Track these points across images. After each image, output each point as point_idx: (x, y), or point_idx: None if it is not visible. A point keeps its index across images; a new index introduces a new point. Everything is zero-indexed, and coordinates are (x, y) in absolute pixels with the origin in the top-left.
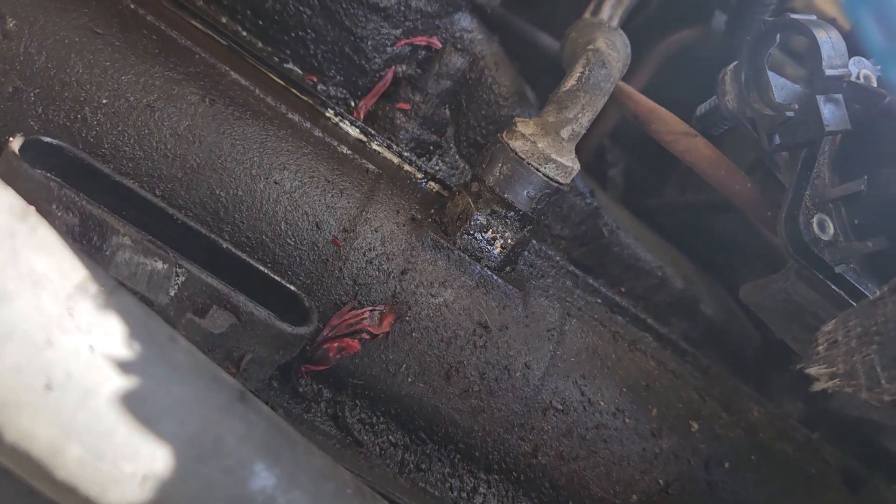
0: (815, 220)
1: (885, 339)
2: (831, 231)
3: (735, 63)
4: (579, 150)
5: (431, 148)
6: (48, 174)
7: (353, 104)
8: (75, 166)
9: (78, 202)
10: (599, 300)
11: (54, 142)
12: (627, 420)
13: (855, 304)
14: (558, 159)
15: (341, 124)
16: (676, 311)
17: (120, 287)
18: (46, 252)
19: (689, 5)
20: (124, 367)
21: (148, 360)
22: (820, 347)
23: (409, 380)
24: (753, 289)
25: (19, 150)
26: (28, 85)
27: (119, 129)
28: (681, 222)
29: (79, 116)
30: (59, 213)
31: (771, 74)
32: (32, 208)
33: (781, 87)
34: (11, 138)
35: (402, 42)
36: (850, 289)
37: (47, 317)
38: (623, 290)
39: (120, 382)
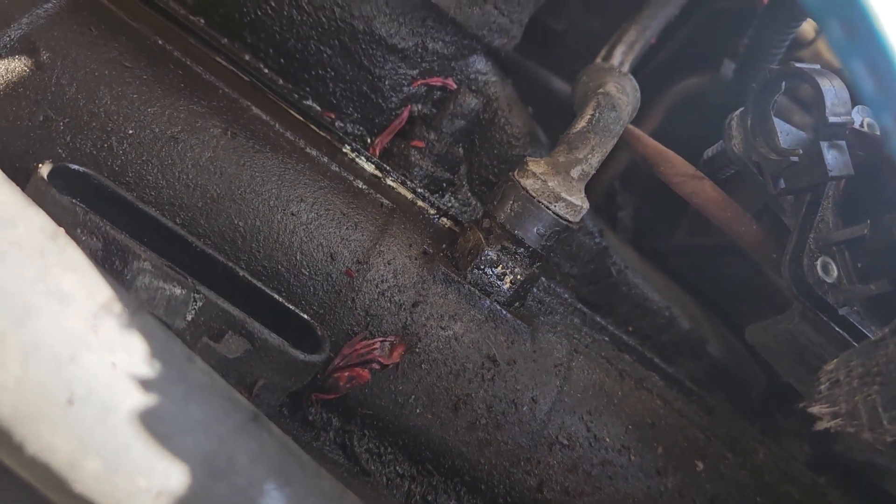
0: (818, 262)
1: (886, 379)
2: (835, 274)
3: (741, 109)
4: (589, 193)
5: (444, 185)
6: (74, 200)
7: (369, 141)
8: (100, 193)
9: (102, 227)
10: (607, 338)
11: (81, 169)
12: (633, 457)
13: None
14: (568, 198)
15: (357, 160)
16: (683, 351)
17: (142, 308)
18: (74, 271)
19: (699, 53)
20: (144, 384)
21: (167, 378)
22: (822, 386)
23: (418, 411)
24: (759, 329)
25: (47, 176)
26: (58, 114)
27: (143, 158)
28: (689, 265)
29: (105, 146)
30: (84, 238)
31: (776, 120)
32: (62, 229)
33: (787, 133)
34: (40, 164)
35: (419, 82)
36: (853, 331)
37: (72, 333)
38: (630, 328)
39: (139, 399)
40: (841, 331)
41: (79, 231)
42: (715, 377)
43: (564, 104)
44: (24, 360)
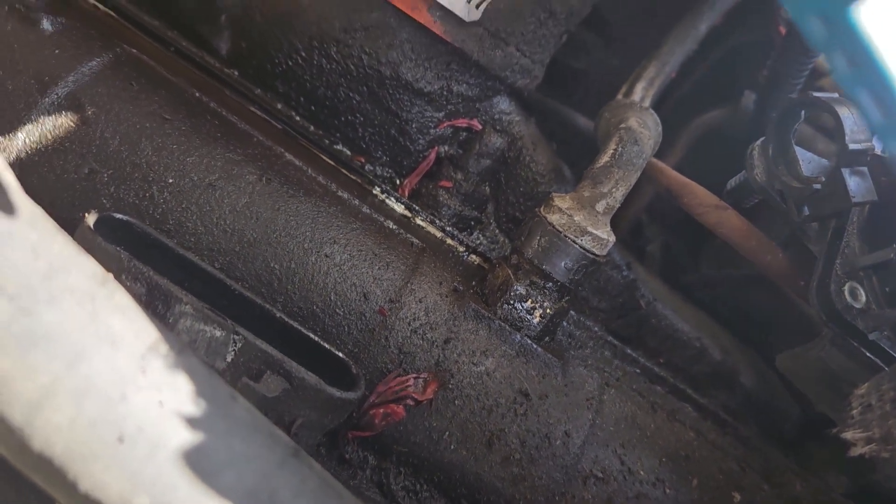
0: (846, 288)
1: None
2: (863, 299)
3: (763, 139)
4: (616, 227)
5: (472, 223)
6: (118, 247)
7: (398, 182)
8: (143, 240)
9: (145, 273)
10: (638, 370)
11: (124, 218)
12: (668, 490)
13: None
14: (594, 232)
15: (387, 201)
16: (715, 383)
17: (187, 349)
18: (122, 315)
19: (720, 86)
20: (189, 422)
21: (211, 415)
22: (854, 411)
23: (452, 447)
24: (789, 357)
25: (93, 225)
26: (102, 166)
27: (183, 206)
28: (718, 297)
29: (147, 195)
30: (129, 283)
31: (797, 149)
32: (110, 275)
33: (809, 161)
34: (87, 214)
35: (445, 124)
36: (884, 355)
37: (122, 374)
38: (662, 360)
39: (185, 436)
40: (872, 356)
41: (124, 277)
42: (748, 408)
43: (588, 141)
44: (77, 400)
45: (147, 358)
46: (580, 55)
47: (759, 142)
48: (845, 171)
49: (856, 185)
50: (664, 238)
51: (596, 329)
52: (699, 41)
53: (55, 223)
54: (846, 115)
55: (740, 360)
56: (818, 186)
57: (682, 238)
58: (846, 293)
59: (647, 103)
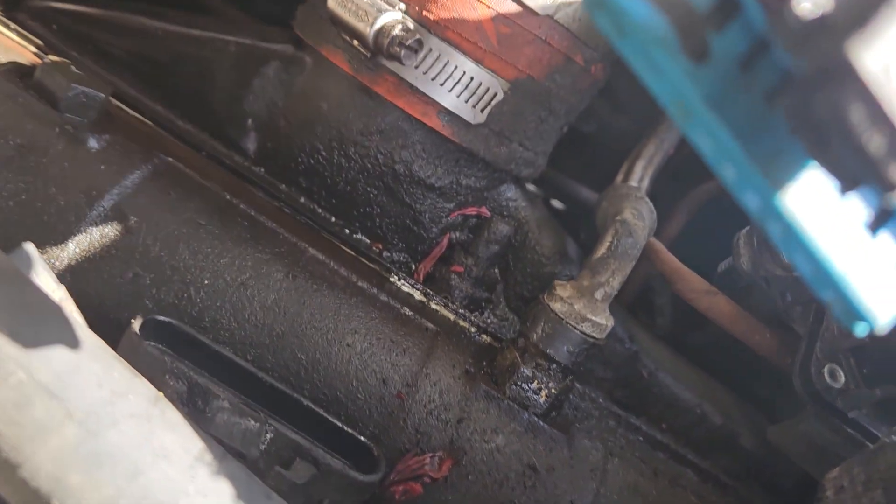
0: (826, 369)
1: (888, 485)
2: (842, 379)
3: (748, 228)
4: (625, 291)
5: (483, 303)
6: (162, 346)
7: (413, 267)
8: (182, 337)
9: (186, 373)
10: (641, 438)
11: (165, 319)
12: None
13: (871, 444)
14: (593, 318)
15: (403, 287)
16: (716, 446)
17: (227, 455)
18: (173, 430)
19: None
20: None
21: None
22: (828, 492)
23: None
24: (779, 430)
25: (139, 330)
26: (145, 271)
27: (217, 304)
28: (725, 355)
29: (185, 295)
30: (171, 382)
31: None
32: (161, 394)
33: None
34: (133, 320)
35: (455, 213)
36: (864, 431)
37: (174, 484)
38: (664, 426)
39: None
40: (853, 432)
41: (167, 377)
42: (750, 469)
43: (591, 206)
44: None
45: (195, 467)
46: (589, 119)
47: (744, 231)
48: None
49: None
50: (673, 294)
51: (600, 400)
52: None
53: (112, 352)
54: None
55: (741, 422)
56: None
57: None
58: (826, 374)
59: (645, 184)
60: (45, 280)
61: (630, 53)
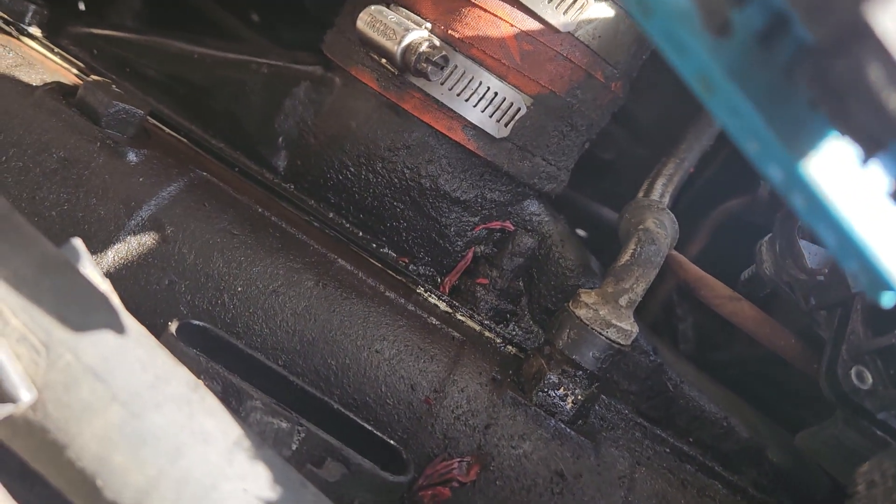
0: (853, 371)
1: None
2: (870, 381)
3: (770, 235)
4: (647, 307)
5: (508, 316)
6: (196, 350)
7: (439, 280)
8: (217, 342)
9: (221, 373)
10: (668, 450)
11: (200, 324)
12: None
13: None
14: (618, 324)
15: (430, 299)
16: (744, 460)
17: (263, 443)
18: (212, 415)
19: (737, 177)
20: None
21: (286, 499)
22: (860, 487)
23: None
24: (808, 436)
25: (175, 332)
26: (180, 278)
27: (250, 311)
28: (749, 374)
29: (219, 302)
30: (206, 382)
31: (803, 242)
32: (201, 382)
33: (814, 254)
34: (170, 323)
35: (480, 227)
36: (894, 433)
37: (213, 466)
38: (691, 439)
39: None
40: (882, 433)
41: (202, 377)
42: (779, 482)
43: (613, 229)
44: (178, 489)
45: (233, 452)
46: (609, 147)
47: (766, 238)
48: None
49: None
50: (696, 316)
51: (626, 411)
52: (716, 137)
53: (155, 339)
54: None
55: (769, 436)
56: (822, 278)
57: (713, 316)
58: (853, 376)
59: (666, 199)
60: (92, 273)
61: (655, 31)
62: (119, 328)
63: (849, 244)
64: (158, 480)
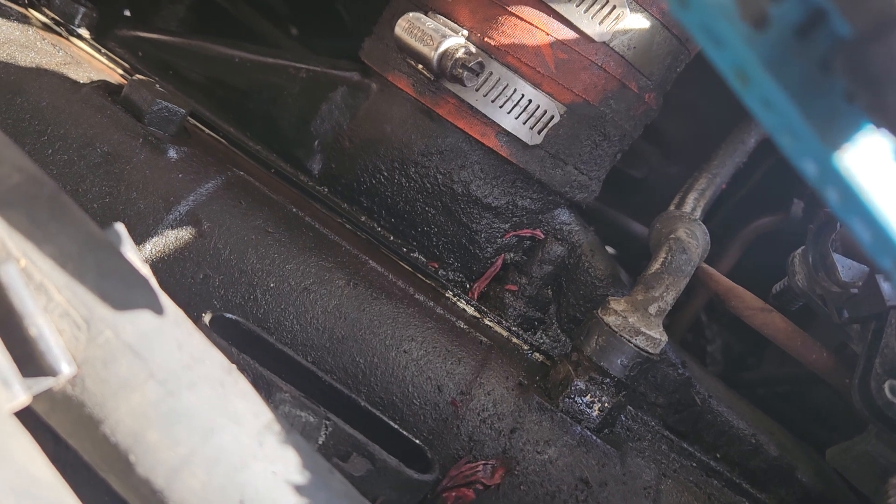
0: (886, 385)
1: None
2: None
3: (803, 247)
4: (676, 327)
5: (536, 323)
6: (229, 342)
7: (468, 286)
8: (248, 336)
9: (252, 364)
10: (694, 464)
11: (233, 317)
12: None
13: None
14: (647, 332)
15: (459, 303)
16: (772, 478)
17: (293, 429)
18: (245, 398)
19: (770, 194)
20: (297, 489)
21: (314, 485)
22: (892, 498)
23: None
24: (838, 451)
25: (209, 323)
26: (214, 272)
27: (282, 307)
28: (779, 394)
29: (252, 297)
30: None
31: (836, 256)
32: (234, 365)
33: (847, 267)
34: (204, 314)
35: (510, 234)
36: None
37: (244, 447)
38: (718, 455)
39: (293, 501)
40: None
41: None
42: (808, 503)
43: (643, 245)
44: (209, 468)
45: (263, 434)
46: (639, 165)
47: (799, 250)
48: (879, 277)
49: (890, 288)
50: (725, 337)
51: (653, 424)
52: (748, 154)
53: (191, 322)
54: None
55: (798, 455)
56: (855, 291)
57: (742, 337)
58: (886, 390)
59: (697, 213)
60: (133, 256)
61: (692, 23)
62: (157, 308)
63: (884, 240)
64: (190, 458)
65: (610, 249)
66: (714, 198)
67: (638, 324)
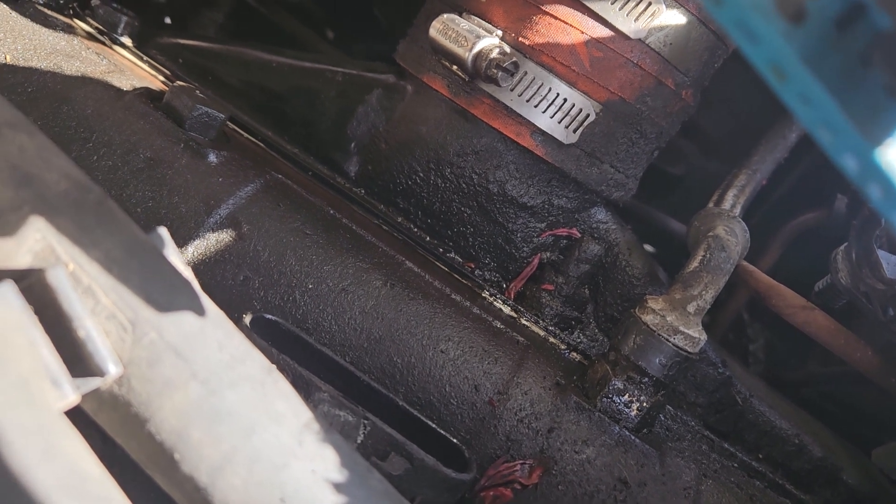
0: None
1: None
2: None
3: (846, 244)
4: (716, 326)
5: (573, 323)
6: (268, 342)
7: (504, 286)
8: (287, 336)
9: (291, 365)
10: (736, 464)
11: (273, 318)
12: None
13: None
14: (686, 331)
15: (495, 303)
16: (817, 479)
17: (332, 428)
18: (284, 398)
19: (813, 190)
20: (336, 487)
21: (353, 483)
22: None
23: None
24: (885, 452)
25: (249, 324)
26: (254, 274)
27: (320, 308)
28: (824, 394)
29: (290, 298)
30: None
31: (881, 252)
32: (274, 365)
33: (893, 264)
34: (244, 315)
35: (547, 233)
36: None
37: (284, 446)
38: (761, 456)
39: (332, 500)
40: None
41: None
42: None
43: (682, 242)
44: (250, 466)
45: (303, 433)
46: (678, 162)
47: (842, 247)
48: None
49: None
50: (767, 336)
51: (693, 423)
52: (789, 149)
53: (231, 323)
54: None
55: (844, 456)
56: None
57: (784, 336)
58: None
59: (737, 210)
60: (175, 259)
61: (727, 20)
62: (199, 310)
63: None
64: (232, 456)
65: (648, 248)
66: (754, 194)
67: (676, 322)
